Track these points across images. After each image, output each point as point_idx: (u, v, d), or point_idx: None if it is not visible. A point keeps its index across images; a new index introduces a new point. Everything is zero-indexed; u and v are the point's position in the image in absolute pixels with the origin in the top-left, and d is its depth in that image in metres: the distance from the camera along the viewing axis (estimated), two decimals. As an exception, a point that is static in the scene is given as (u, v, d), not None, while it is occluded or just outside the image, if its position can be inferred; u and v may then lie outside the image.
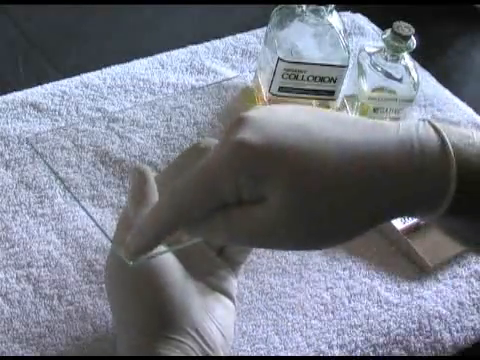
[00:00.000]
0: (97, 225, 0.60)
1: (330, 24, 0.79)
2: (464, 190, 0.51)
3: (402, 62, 0.80)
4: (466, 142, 0.52)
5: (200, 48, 0.91)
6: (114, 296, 0.61)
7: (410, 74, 0.81)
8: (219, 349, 0.59)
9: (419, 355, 0.68)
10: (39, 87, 0.84)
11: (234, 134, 0.51)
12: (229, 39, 0.93)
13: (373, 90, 0.80)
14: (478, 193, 0.52)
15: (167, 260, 0.60)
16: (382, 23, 0.94)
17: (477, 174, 0.52)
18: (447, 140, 0.51)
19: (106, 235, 0.59)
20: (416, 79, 0.81)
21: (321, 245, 0.54)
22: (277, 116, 0.52)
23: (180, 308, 0.58)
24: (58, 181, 0.74)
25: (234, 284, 0.64)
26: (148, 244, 0.54)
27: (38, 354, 0.63)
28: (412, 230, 0.75)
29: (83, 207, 0.69)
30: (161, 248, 0.59)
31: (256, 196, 0.51)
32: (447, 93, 0.92)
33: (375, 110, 0.82)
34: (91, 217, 0.61)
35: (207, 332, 0.59)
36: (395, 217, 0.54)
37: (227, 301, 0.63)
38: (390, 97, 0.81)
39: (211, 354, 0.58)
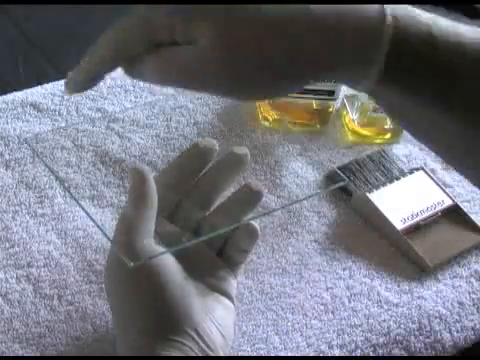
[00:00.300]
0: (97, 225, 0.60)
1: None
2: (396, 58, 0.51)
3: None
4: (410, 15, 0.52)
5: (200, 48, 0.91)
6: (114, 297, 0.61)
7: None
8: (219, 349, 0.59)
9: (419, 355, 0.68)
10: (39, 87, 0.84)
11: None
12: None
13: None
14: (410, 64, 0.51)
15: (167, 261, 0.60)
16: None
17: (413, 45, 0.51)
18: (387, 7, 0.51)
19: (106, 235, 0.59)
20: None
21: (244, 94, 0.54)
22: None
23: (180, 309, 0.58)
24: (58, 181, 0.74)
25: (234, 284, 0.64)
26: (88, 79, 0.56)
27: (38, 354, 0.63)
28: (412, 230, 0.75)
29: (83, 207, 0.69)
30: (161, 249, 0.59)
31: (188, 38, 0.51)
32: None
33: (375, 110, 0.82)
34: (91, 218, 0.61)
35: (207, 333, 0.59)
36: (325, 77, 0.53)
37: (226, 301, 0.63)
38: None
39: (211, 355, 0.58)
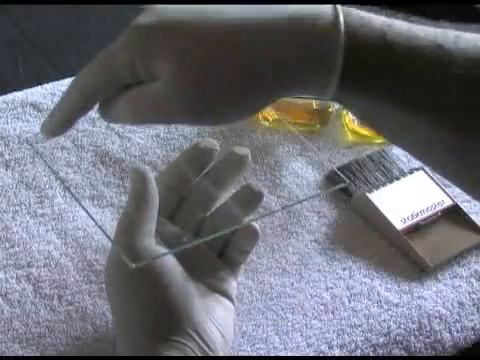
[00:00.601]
0: (98, 226, 0.60)
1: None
2: (353, 65, 0.51)
3: None
4: (359, 18, 0.52)
5: (200, 48, 0.91)
6: (114, 297, 0.61)
7: None
8: (219, 350, 0.59)
9: (419, 355, 0.68)
10: (39, 87, 0.84)
11: (133, 21, 0.53)
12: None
13: None
14: (367, 69, 0.51)
15: (168, 262, 0.60)
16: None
17: (364, 46, 0.51)
18: (339, 12, 0.51)
19: (107, 236, 0.59)
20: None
21: (214, 119, 0.54)
22: (180, 6, 0.53)
23: (181, 309, 0.58)
24: (58, 181, 0.74)
25: (234, 285, 0.64)
26: (60, 126, 0.56)
27: (38, 354, 0.63)
28: (412, 230, 0.75)
29: (84, 207, 0.69)
30: (162, 250, 0.59)
31: (151, 75, 0.52)
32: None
33: None
34: (92, 218, 0.61)
35: (207, 333, 0.59)
36: (288, 91, 0.53)
37: (227, 302, 0.63)
38: None
39: (211, 355, 0.58)
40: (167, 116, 0.53)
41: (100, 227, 0.59)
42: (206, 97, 0.51)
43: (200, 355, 0.58)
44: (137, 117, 0.55)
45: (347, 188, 0.77)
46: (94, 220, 0.61)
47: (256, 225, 0.64)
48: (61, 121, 0.56)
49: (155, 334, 0.58)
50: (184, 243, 0.62)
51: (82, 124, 0.80)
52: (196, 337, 0.58)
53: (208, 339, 0.59)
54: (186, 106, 0.52)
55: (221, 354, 0.59)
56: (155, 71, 0.52)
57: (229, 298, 0.63)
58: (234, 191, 0.66)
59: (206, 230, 0.64)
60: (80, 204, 0.70)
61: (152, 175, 0.62)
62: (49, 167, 0.74)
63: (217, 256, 0.64)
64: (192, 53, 0.51)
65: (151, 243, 0.59)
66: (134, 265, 0.56)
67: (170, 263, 0.60)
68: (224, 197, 0.66)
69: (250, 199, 0.65)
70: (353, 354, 0.67)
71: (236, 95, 0.52)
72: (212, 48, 0.51)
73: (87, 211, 0.66)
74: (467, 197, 0.80)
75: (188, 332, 0.58)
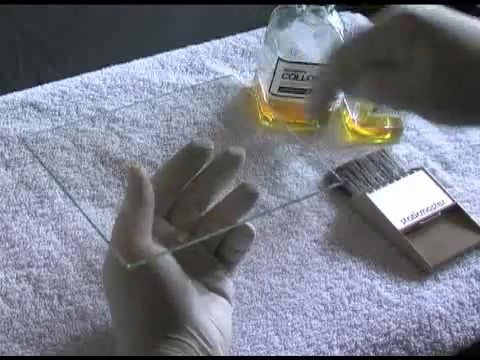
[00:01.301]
0: (94, 227, 0.60)
1: (330, 24, 0.79)
2: None
3: None
4: None
5: (200, 48, 0.91)
6: (113, 296, 0.61)
7: None
8: (219, 348, 0.59)
9: (419, 355, 0.68)
10: (39, 87, 0.84)
11: (400, 9, 0.57)
12: (229, 39, 0.93)
13: None
14: None
15: (166, 260, 0.60)
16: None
17: None
18: None
19: (102, 235, 0.59)
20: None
21: (460, 121, 0.58)
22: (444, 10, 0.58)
23: (181, 308, 0.59)
24: (56, 182, 0.73)
25: (230, 284, 0.64)
26: (322, 102, 0.63)
27: (38, 354, 0.63)
28: (412, 230, 0.75)
29: (80, 208, 0.69)
30: (160, 249, 0.60)
31: (407, 58, 0.56)
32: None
33: (375, 110, 0.82)
34: (88, 218, 0.61)
35: (207, 331, 0.59)
36: None
37: (224, 301, 0.63)
38: None
39: (212, 353, 0.58)
40: (412, 104, 0.58)
41: (94, 225, 0.59)
42: (460, 97, 0.55)
43: (201, 353, 0.58)
44: (380, 95, 0.59)
45: (347, 188, 0.77)
46: (90, 221, 0.61)
47: (251, 226, 0.64)
48: (323, 96, 0.62)
49: (155, 332, 0.58)
50: (181, 243, 0.62)
51: (82, 124, 0.80)
52: (196, 335, 0.58)
53: (208, 337, 0.59)
54: (437, 100, 0.56)
55: (221, 352, 0.59)
56: (413, 57, 0.55)
57: (226, 297, 0.63)
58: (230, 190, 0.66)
59: (202, 229, 0.64)
60: (76, 204, 0.70)
61: (148, 175, 0.62)
62: (46, 167, 0.73)
63: (213, 255, 0.64)
64: (455, 52, 0.55)
65: (149, 242, 0.59)
66: (129, 266, 0.56)
67: (168, 262, 0.60)
68: (220, 196, 0.66)
69: (245, 199, 0.65)
70: (353, 354, 0.67)
71: None
72: (474, 55, 0.55)
73: (83, 212, 0.66)
74: (467, 197, 0.80)
75: (188, 330, 0.58)
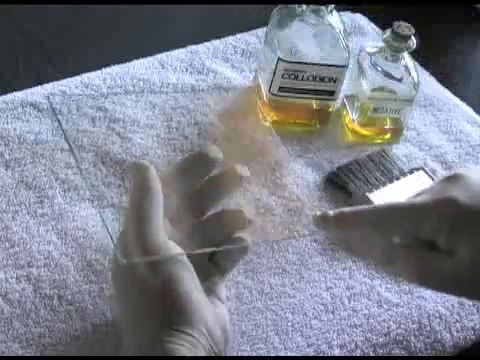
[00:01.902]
0: (102, 218, 0.60)
1: (330, 24, 0.79)
2: None
3: (402, 62, 0.80)
4: None
5: (200, 48, 0.91)
6: (127, 291, 0.61)
7: (410, 74, 0.81)
8: (222, 350, 0.60)
9: (419, 355, 0.68)
10: (39, 87, 0.84)
11: (447, 189, 0.61)
12: (229, 39, 0.93)
13: (373, 90, 0.80)
14: None
15: (183, 259, 0.60)
16: (382, 23, 0.94)
17: None
18: None
19: (108, 231, 0.59)
20: (416, 79, 0.81)
21: None
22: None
23: (194, 306, 0.59)
24: (67, 141, 0.71)
25: (223, 287, 0.65)
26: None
27: (38, 354, 0.63)
28: (412, 230, 0.75)
29: (83, 173, 0.69)
30: (177, 249, 0.60)
31: (448, 246, 0.59)
32: (447, 93, 0.92)
33: (375, 110, 0.82)
34: (97, 218, 0.62)
35: (216, 334, 0.59)
36: None
37: (221, 304, 0.63)
38: (390, 97, 0.81)
39: (217, 353, 0.59)
40: (452, 288, 0.61)
41: (106, 226, 0.60)
42: None
43: (207, 350, 0.58)
44: (420, 277, 0.62)
45: (347, 188, 0.77)
46: (102, 218, 0.61)
47: (247, 237, 0.65)
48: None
49: (167, 325, 0.58)
50: (192, 249, 0.62)
51: (82, 124, 0.80)
52: (206, 333, 0.58)
53: (216, 339, 0.59)
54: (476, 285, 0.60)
55: (223, 355, 0.60)
56: (454, 247, 0.59)
57: (221, 301, 0.64)
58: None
59: (197, 236, 0.65)
60: (79, 167, 0.70)
61: (153, 168, 0.62)
62: (61, 127, 0.72)
63: (208, 261, 0.65)
64: None
65: (164, 236, 0.60)
66: (125, 261, 0.58)
67: (185, 261, 0.60)
68: (219, 206, 0.67)
69: (239, 222, 0.66)
70: (353, 354, 0.67)
71: None
72: None
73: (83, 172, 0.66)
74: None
75: (199, 327, 0.58)
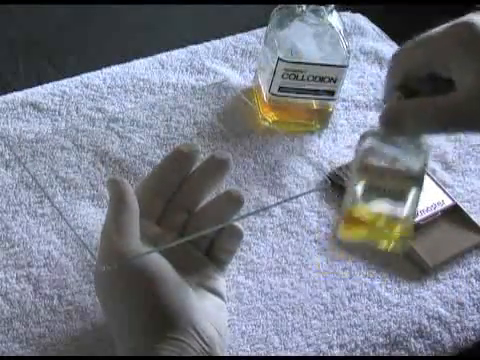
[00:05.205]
0: (71, 228, 0.61)
1: (330, 24, 0.79)
2: None
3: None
4: None
5: (200, 48, 0.91)
6: (108, 300, 0.61)
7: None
8: (216, 347, 0.59)
9: (419, 355, 0.68)
10: (39, 87, 0.84)
11: (465, 17, 0.60)
12: (229, 39, 0.93)
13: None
14: None
15: (159, 261, 0.60)
16: (382, 23, 0.94)
17: None
18: None
19: (81, 240, 0.60)
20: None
21: None
22: None
23: (177, 307, 0.59)
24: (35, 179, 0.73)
25: (223, 282, 0.65)
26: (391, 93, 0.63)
27: (38, 354, 0.63)
28: (412, 230, 0.75)
29: (57, 209, 0.70)
30: (145, 248, 0.60)
31: (462, 73, 0.58)
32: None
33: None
34: (64, 218, 0.63)
35: (205, 331, 0.59)
36: None
37: (218, 299, 0.63)
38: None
39: (210, 353, 0.58)
40: (466, 124, 0.59)
41: (74, 231, 0.60)
42: None
43: (199, 353, 0.58)
44: (433, 122, 0.59)
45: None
46: (71, 228, 0.62)
47: (239, 226, 0.65)
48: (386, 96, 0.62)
49: (153, 332, 0.58)
50: (168, 242, 0.63)
51: (82, 124, 0.80)
52: (194, 334, 0.58)
53: (206, 336, 0.59)
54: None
55: (218, 351, 0.59)
56: (468, 70, 0.57)
57: (219, 295, 0.64)
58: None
59: (190, 230, 0.65)
60: (52, 203, 0.71)
61: (130, 186, 0.63)
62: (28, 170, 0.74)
63: (203, 254, 0.65)
64: None
65: (137, 245, 0.60)
66: (104, 268, 0.58)
67: (162, 262, 0.60)
68: (208, 198, 0.67)
69: (229, 206, 0.66)
70: (353, 354, 0.67)
71: None
72: None
73: (59, 211, 0.68)
74: (467, 197, 0.80)
75: (186, 329, 0.58)
